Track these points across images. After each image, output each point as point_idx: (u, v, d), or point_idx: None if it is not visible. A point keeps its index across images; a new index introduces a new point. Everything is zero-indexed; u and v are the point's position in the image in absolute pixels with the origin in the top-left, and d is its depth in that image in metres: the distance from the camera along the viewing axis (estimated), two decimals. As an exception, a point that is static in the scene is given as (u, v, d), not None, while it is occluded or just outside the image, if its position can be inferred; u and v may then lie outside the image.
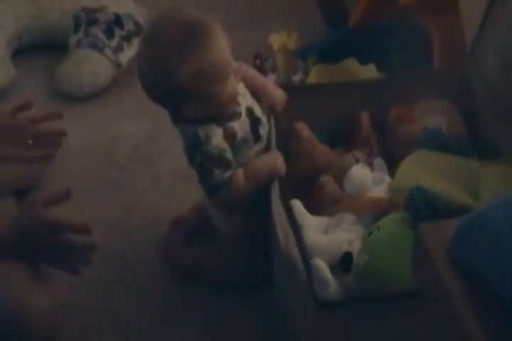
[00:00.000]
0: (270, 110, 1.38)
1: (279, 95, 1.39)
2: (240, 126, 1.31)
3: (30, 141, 1.28)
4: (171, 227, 1.57)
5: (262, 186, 1.29)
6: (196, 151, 1.27)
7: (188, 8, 1.30)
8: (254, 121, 1.34)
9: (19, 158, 1.29)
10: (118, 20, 2.04)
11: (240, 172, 1.28)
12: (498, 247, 0.75)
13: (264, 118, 1.36)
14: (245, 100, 1.34)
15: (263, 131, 1.36)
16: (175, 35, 1.20)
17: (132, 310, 1.49)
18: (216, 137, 1.27)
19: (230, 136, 1.29)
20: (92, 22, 2.02)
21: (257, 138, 1.34)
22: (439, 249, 0.80)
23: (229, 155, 1.28)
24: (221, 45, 1.22)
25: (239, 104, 1.32)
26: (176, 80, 1.20)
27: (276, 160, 1.30)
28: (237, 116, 1.31)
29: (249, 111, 1.33)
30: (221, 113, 1.30)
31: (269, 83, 1.44)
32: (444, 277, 0.78)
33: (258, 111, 1.36)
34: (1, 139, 1.26)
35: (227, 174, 1.27)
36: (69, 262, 1.23)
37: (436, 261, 0.79)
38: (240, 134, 1.30)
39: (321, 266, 1.17)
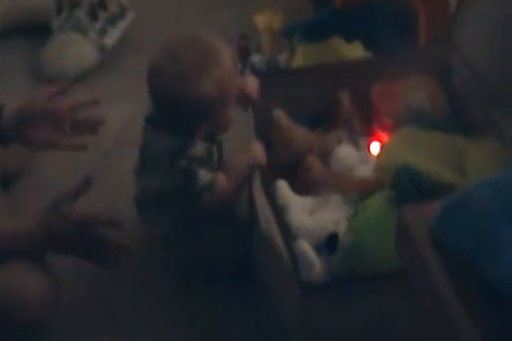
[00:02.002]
0: (245, 98, 1.37)
1: (250, 82, 1.39)
2: (215, 152, 1.34)
3: (67, 130, 1.26)
4: None
5: (245, 180, 1.31)
6: (180, 156, 1.28)
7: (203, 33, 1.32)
8: (220, 154, 1.37)
9: (56, 145, 1.27)
10: (101, 2, 2.01)
11: (222, 175, 1.30)
12: (481, 227, 0.74)
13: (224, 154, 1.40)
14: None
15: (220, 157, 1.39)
16: (199, 54, 1.24)
17: (122, 297, 1.49)
18: (201, 145, 1.30)
19: (208, 154, 1.32)
20: (75, 4, 1.99)
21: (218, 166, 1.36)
22: (421, 230, 0.80)
23: (210, 159, 1.31)
24: (233, 67, 1.29)
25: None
26: (200, 96, 1.22)
27: (255, 151, 1.32)
28: (215, 143, 1.35)
29: (218, 144, 1.37)
30: (213, 136, 1.33)
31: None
32: (426, 259, 0.77)
33: (222, 145, 1.38)
34: (40, 125, 1.23)
35: (211, 175, 1.29)
36: (100, 257, 1.22)
37: (418, 242, 0.79)
38: (215, 157, 1.33)
39: (306, 247, 1.17)
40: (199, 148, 1.29)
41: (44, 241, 1.17)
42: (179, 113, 1.27)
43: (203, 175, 1.28)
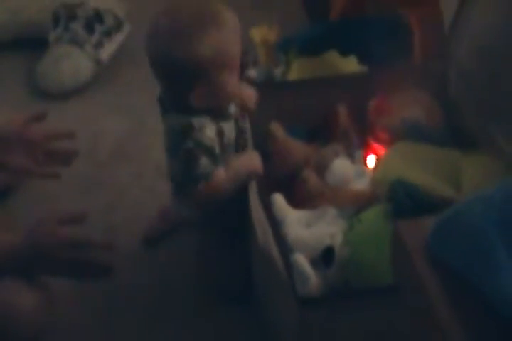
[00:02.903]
0: (242, 108, 1.36)
1: (249, 93, 1.38)
2: (228, 129, 1.30)
3: (41, 158, 1.26)
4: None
5: (240, 186, 1.28)
6: (188, 138, 1.24)
7: None
8: (239, 130, 1.34)
9: (28, 172, 1.27)
10: (98, 16, 2.02)
11: (222, 171, 1.27)
12: (475, 243, 0.75)
13: (247, 130, 1.36)
14: (233, 108, 1.33)
15: (243, 142, 1.35)
16: (198, 15, 1.21)
17: (117, 308, 1.48)
18: (210, 129, 1.25)
19: (219, 135, 1.28)
20: (72, 17, 2.00)
21: (237, 147, 1.34)
22: (417, 245, 0.80)
23: (217, 150, 1.27)
24: (237, 33, 1.24)
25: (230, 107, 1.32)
26: (198, 56, 1.19)
27: (253, 160, 1.30)
28: (227, 117, 1.30)
29: (236, 119, 1.33)
30: (220, 107, 1.29)
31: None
32: (421, 274, 0.77)
33: (244, 121, 1.35)
34: (13, 149, 1.23)
35: (212, 168, 1.25)
36: (83, 276, 1.20)
37: (414, 258, 0.79)
38: (226, 136, 1.29)
39: (302, 261, 1.16)
40: (208, 133, 1.24)
41: (27, 259, 1.14)
42: (175, 75, 1.22)
43: (204, 164, 1.24)
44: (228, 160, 1.30)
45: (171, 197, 1.42)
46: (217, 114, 1.28)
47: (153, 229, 1.59)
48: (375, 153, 1.45)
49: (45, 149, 1.27)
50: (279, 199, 1.31)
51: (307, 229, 1.26)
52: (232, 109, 1.32)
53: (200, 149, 1.24)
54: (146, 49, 1.24)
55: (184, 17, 1.21)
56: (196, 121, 1.24)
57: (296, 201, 1.32)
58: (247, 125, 1.36)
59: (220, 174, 1.26)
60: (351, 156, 1.39)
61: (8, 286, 1.17)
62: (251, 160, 1.30)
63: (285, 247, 1.24)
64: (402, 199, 1.17)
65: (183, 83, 1.22)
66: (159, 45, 1.22)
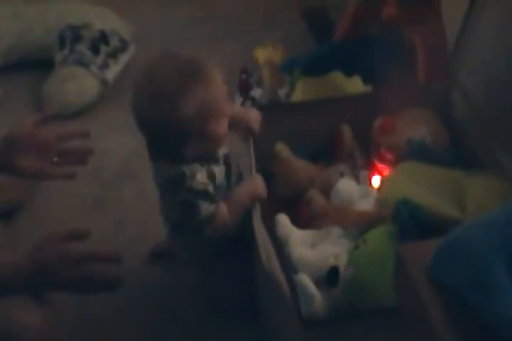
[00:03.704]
0: (247, 130, 1.37)
1: (253, 114, 1.38)
2: (218, 171, 1.31)
3: (55, 159, 1.23)
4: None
5: (246, 212, 1.29)
6: (180, 188, 1.25)
7: (184, 51, 1.29)
8: (229, 169, 1.34)
9: (42, 174, 1.23)
10: (103, 37, 2.04)
11: (223, 205, 1.27)
12: (477, 268, 0.75)
13: (234, 167, 1.37)
14: (223, 148, 1.34)
15: (233, 179, 1.36)
16: (177, 72, 1.19)
17: (119, 327, 1.48)
18: (201, 174, 1.26)
19: (211, 178, 1.28)
20: (78, 39, 2.02)
21: (228, 186, 1.34)
22: (419, 269, 0.80)
23: (212, 189, 1.27)
24: (219, 82, 1.23)
25: (218, 157, 1.32)
26: (182, 115, 1.18)
27: (256, 184, 1.30)
28: (217, 160, 1.31)
29: (226, 158, 1.34)
30: (209, 153, 1.29)
31: (238, 106, 1.43)
32: (423, 297, 0.78)
33: (232, 158, 1.36)
34: (25, 152, 1.19)
35: (212, 207, 1.26)
36: (90, 291, 1.16)
37: (416, 281, 0.79)
38: (218, 179, 1.30)
39: (306, 281, 1.16)
40: (199, 178, 1.25)
41: (31, 276, 1.12)
42: (165, 136, 1.22)
43: (205, 208, 1.25)
44: (230, 192, 1.31)
45: (169, 238, 1.45)
46: (208, 158, 1.29)
47: (159, 246, 1.60)
48: (379, 173, 1.45)
49: (59, 149, 1.24)
50: (283, 219, 1.31)
51: (312, 249, 1.26)
52: (221, 152, 1.33)
53: (194, 196, 1.24)
54: (132, 112, 1.23)
55: (164, 79, 1.18)
56: (187, 169, 1.24)
57: (301, 221, 1.32)
58: (234, 165, 1.36)
59: (222, 210, 1.27)
60: (356, 176, 1.39)
61: (13, 303, 1.16)
62: (254, 186, 1.30)
63: (289, 267, 1.23)
64: (407, 220, 1.17)
65: (174, 140, 1.23)
66: (145, 110, 1.21)
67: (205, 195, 1.25)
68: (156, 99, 1.19)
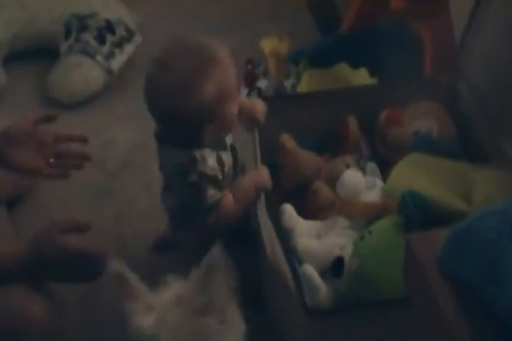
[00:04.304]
0: (252, 121, 1.37)
1: (258, 105, 1.38)
2: (226, 158, 1.31)
3: (51, 160, 1.25)
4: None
5: (252, 203, 1.29)
6: (191, 171, 1.25)
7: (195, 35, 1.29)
8: (235, 159, 1.35)
9: (37, 172, 1.25)
10: (109, 26, 2.03)
11: (229, 194, 1.28)
12: (489, 256, 0.74)
13: (238, 157, 1.37)
14: (229, 137, 1.35)
15: (238, 169, 1.37)
16: (191, 58, 1.20)
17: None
18: (212, 159, 1.27)
19: (220, 164, 1.29)
20: (83, 28, 2.01)
21: (234, 175, 1.35)
22: (429, 258, 0.80)
23: (220, 177, 1.28)
24: (231, 64, 1.24)
25: (226, 144, 1.33)
26: (202, 100, 1.19)
27: (261, 175, 1.30)
28: (225, 147, 1.32)
29: (232, 149, 1.35)
30: (220, 139, 1.30)
31: (244, 97, 1.44)
32: (434, 287, 0.77)
33: (236, 149, 1.36)
34: (22, 148, 1.22)
35: (219, 195, 1.26)
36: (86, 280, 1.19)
37: (427, 271, 0.79)
38: (226, 166, 1.30)
39: (311, 272, 1.16)
40: (211, 163, 1.26)
41: (30, 267, 1.13)
42: (184, 123, 1.23)
43: (211, 194, 1.25)
44: (235, 183, 1.31)
45: (169, 227, 1.44)
46: (217, 144, 1.29)
47: (162, 236, 1.60)
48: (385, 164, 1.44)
49: (55, 151, 1.25)
50: (288, 210, 1.31)
51: (317, 239, 1.26)
52: (229, 139, 1.33)
53: (205, 180, 1.25)
54: (147, 102, 1.23)
55: (178, 68, 1.19)
56: (198, 153, 1.25)
57: (307, 212, 1.32)
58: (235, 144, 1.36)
59: (228, 199, 1.27)
60: (362, 168, 1.39)
61: (18, 296, 1.17)
62: (259, 177, 1.30)
63: (294, 258, 1.23)
64: (412, 211, 1.16)
65: (192, 126, 1.23)
66: (163, 99, 1.21)
67: (214, 181, 1.26)
68: (174, 86, 1.19)
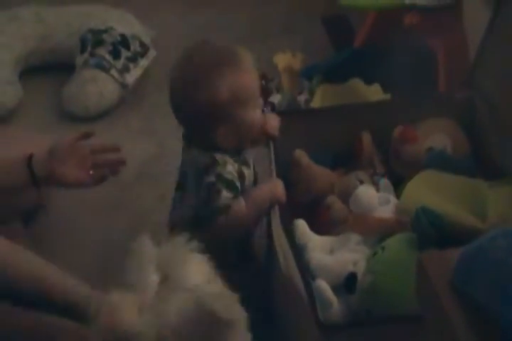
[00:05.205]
0: (266, 136, 1.38)
1: (272, 120, 1.39)
2: (249, 175, 1.33)
3: (91, 172, 1.35)
4: None
5: (264, 214, 1.29)
6: (210, 172, 1.27)
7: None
8: (256, 179, 1.37)
9: (83, 185, 1.37)
10: (124, 41, 2.05)
11: (242, 200, 1.28)
12: (500, 277, 0.75)
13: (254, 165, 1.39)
14: (252, 159, 1.37)
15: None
16: (213, 57, 1.24)
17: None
18: (232, 166, 1.28)
19: (241, 177, 1.30)
20: (99, 43, 2.03)
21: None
22: (442, 278, 0.80)
23: (238, 184, 1.29)
24: (253, 70, 1.28)
25: (248, 161, 1.35)
26: (215, 99, 1.22)
27: (276, 187, 1.30)
28: (247, 164, 1.33)
29: (254, 172, 1.37)
30: (241, 148, 1.32)
31: None
32: (446, 306, 0.77)
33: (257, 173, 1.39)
34: (67, 161, 1.33)
35: (233, 200, 1.27)
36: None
37: (439, 290, 0.79)
38: (247, 181, 1.32)
39: (324, 287, 1.16)
40: (230, 169, 1.27)
41: (43, 163, 1.30)
42: (198, 119, 1.25)
43: (226, 196, 1.26)
44: (249, 191, 1.31)
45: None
46: (238, 157, 1.31)
47: None
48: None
49: (94, 162, 1.36)
50: (302, 225, 1.31)
51: (330, 255, 1.27)
52: (249, 155, 1.35)
53: (222, 183, 1.26)
54: (169, 97, 1.28)
55: (200, 62, 1.24)
56: (219, 156, 1.27)
57: (320, 227, 1.32)
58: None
59: (241, 205, 1.27)
60: (375, 183, 1.39)
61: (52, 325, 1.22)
62: (273, 189, 1.30)
63: (307, 273, 1.24)
64: (426, 228, 1.16)
65: (206, 125, 1.26)
66: (180, 92, 1.25)
67: (230, 185, 1.27)
68: (191, 81, 1.23)
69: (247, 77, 1.25)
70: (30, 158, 1.31)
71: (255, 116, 1.28)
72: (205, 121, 1.25)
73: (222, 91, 1.21)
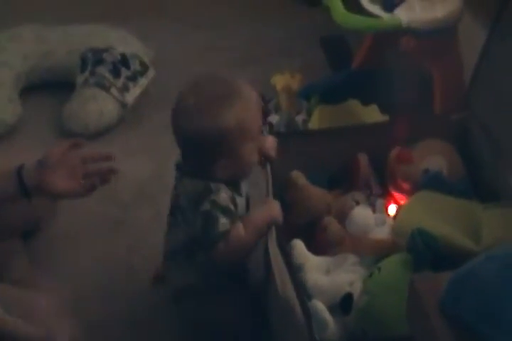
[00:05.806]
0: (263, 157, 1.39)
1: (269, 141, 1.40)
2: (241, 205, 1.34)
3: (82, 181, 1.34)
4: None
5: (262, 237, 1.30)
6: (204, 200, 1.27)
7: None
8: (248, 209, 1.38)
9: (74, 195, 1.35)
10: (124, 60, 2.07)
11: (240, 225, 1.29)
12: (488, 301, 0.76)
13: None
14: (245, 187, 1.37)
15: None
16: (225, 89, 1.26)
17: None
18: (226, 193, 1.29)
19: (233, 204, 1.30)
20: (99, 62, 2.05)
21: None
22: (432, 299, 0.81)
23: (234, 209, 1.30)
24: (257, 107, 1.30)
25: (241, 189, 1.35)
26: (218, 130, 1.23)
27: (273, 209, 1.31)
28: (240, 193, 1.34)
29: (247, 198, 1.37)
30: (235, 181, 1.33)
31: None
32: (435, 327, 0.78)
33: (250, 202, 1.40)
34: (58, 171, 1.31)
35: (230, 225, 1.27)
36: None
37: (429, 311, 0.80)
38: (239, 209, 1.32)
39: (320, 307, 1.17)
40: (224, 195, 1.28)
41: (37, 174, 1.28)
42: (200, 147, 1.27)
43: (223, 222, 1.27)
44: (247, 215, 1.32)
45: (165, 265, 1.44)
46: (233, 186, 1.32)
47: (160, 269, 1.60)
48: (395, 202, 1.46)
49: (85, 172, 1.34)
50: (298, 245, 1.32)
51: (326, 275, 1.27)
52: (244, 186, 1.36)
53: (217, 209, 1.27)
54: (172, 123, 1.29)
55: (207, 93, 1.26)
56: (213, 185, 1.28)
57: (316, 248, 1.33)
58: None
59: (239, 230, 1.28)
60: (372, 205, 1.40)
61: (44, 321, 1.19)
62: (271, 211, 1.30)
63: (304, 293, 1.24)
64: (421, 250, 1.17)
65: (207, 154, 1.27)
66: (185, 119, 1.26)
67: (226, 211, 1.27)
68: (199, 111, 1.24)
69: (250, 112, 1.27)
70: (20, 168, 1.30)
71: (252, 152, 1.30)
72: (207, 149, 1.26)
73: (229, 121, 1.23)
